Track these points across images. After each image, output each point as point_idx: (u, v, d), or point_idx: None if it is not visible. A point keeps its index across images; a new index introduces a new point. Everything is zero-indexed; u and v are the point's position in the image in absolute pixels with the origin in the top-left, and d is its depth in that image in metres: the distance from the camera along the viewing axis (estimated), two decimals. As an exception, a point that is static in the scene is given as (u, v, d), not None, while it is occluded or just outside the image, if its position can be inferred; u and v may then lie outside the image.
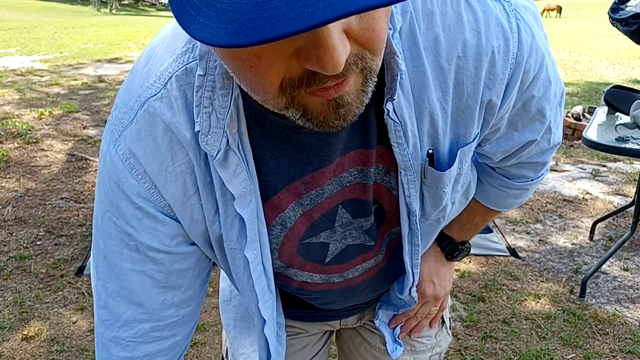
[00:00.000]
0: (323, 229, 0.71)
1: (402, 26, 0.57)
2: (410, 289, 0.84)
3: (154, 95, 0.58)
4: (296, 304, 0.88)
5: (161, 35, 0.63)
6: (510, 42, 0.60)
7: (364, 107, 0.49)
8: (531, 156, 0.79)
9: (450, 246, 0.93)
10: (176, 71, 0.58)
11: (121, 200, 0.62)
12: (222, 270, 1.00)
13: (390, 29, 0.54)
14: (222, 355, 1.04)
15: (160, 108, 0.58)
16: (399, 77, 0.56)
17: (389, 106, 0.58)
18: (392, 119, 0.59)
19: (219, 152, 0.57)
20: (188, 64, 0.57)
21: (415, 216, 0.70)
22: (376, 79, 0.49)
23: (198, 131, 0.56)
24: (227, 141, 0.57)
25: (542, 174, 0.85)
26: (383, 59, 0.56)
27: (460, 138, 0.65)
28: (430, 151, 0.64)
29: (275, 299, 0.73)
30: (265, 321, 0.72)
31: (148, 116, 0.59)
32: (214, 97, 0.56)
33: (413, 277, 0.80)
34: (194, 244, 0.68)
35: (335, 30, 0.40)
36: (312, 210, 0.67)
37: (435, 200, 0.70)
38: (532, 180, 0.84)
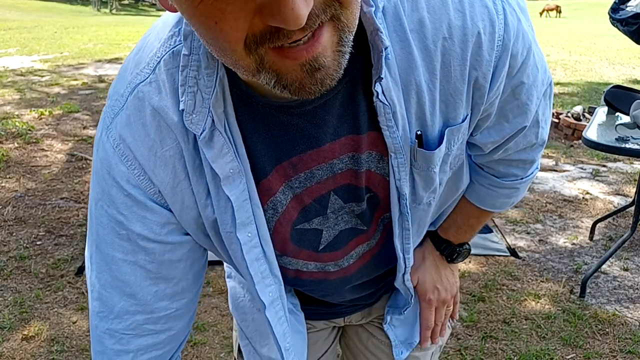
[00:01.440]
0: (315, 215, 0.70)
1: (387, 7, 0.57)
2: (403, 277, 0.83)
3: (143, 80, 0.59)
4: (299, 300, 0.87)
5: (153, 27, 0.64)
6: (496, 23, 0.60)
7: (342, 71, 0.48)
8: (519, 151, 0.78)
9: (449, 249, 0.92)
10: (164, 55, 0.58)
11: (112, 187, 0.62)
12: (226, 270, 1.00)
13: (372, 6, 0.55)
14: (234, 357, 1.04)
15: (148, 93, 0.59)
16: (384, 53, 0.55)
17: (377, 88, 0.58)
18: (381, 101, 0.59)
19: (203, 131, 0.57)
20: (175, 47, 0.58)
21: (406, 199, 0.69)
22: (352, 40, 0.48)
23: (182, 110, 0.56)
24: (213, 121, 0.57)
25: (532, 173, 0.85)
26: (368, 39, 0.57)
27: (449, 120, 0.65)
28: (419, 132, 0.63)
29: (281, 282, 0.72)
30: (265, 305, 0.71)
31: (137, 101, 0.59)
32: (199, 77, 0.55)
33: (405, 262, 0.79)
34: (186, 234, 0.68)
35: None
36: (303, 194, 0.67)
37: (427, 182, 0.70)
38: (522, 179, 0.84)
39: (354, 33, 0.48)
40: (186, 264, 0.69)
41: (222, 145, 0.58)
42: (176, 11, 0.49)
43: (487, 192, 0.86)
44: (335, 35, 0.46)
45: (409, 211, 0.71)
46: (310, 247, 0.74)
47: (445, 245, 0.92)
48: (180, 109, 0.56)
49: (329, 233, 0.73)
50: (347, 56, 0.49)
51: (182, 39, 0.56)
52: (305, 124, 0.61)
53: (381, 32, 0.55)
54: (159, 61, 0.58)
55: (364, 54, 0.58)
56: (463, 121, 0.66)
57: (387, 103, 0.59)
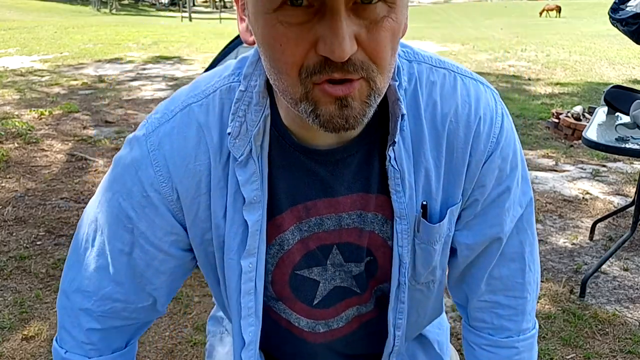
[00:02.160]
0: (316, 264, 0.74)
1: (407, 88, 0.68)
2: (389, 356, 0.81)
3: (196, 102, 0.68)
4: None
5: (213, 70, 0.73)
6: (494, 122, 0.70)
7: (365, 119, 0.57)
8: (506, 292, 0.79)
9: None
10: (221, 87, 0.68)
11: (134, 184, 0.68)
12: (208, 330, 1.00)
13: (395, 80, 0.65)
14: None
15: (198, 112, 0.68)
16: (400, 119, 0.64)
17: (390, 152, 0.66)
18: (392, 165, 0.67)
19: (241, 155, 0.65)
20: (232, 83, 0.68)
21: (406, 269, 0.73)
22: (378, 104, 0.58)
23: (229, 133, 0.65)
24: (251, 150, 0.65)
25: (528, 333, 0.83)
26: (388, 108, 0.66)
27: (450, 199, 0.71)
28: (424, 203, 0.70)
29: (259, 325, 0.75)
30: (245, 343, 0.74)
31: (185, 117, 0.68)
32: (248, 111, 0.65)
33: (394, 340, 0.79)
34: (183, 249, 0.73)
35: (348, 29, 0.51)
36: (309, 239, 0.72)
37: (426, 258, 0.73)
38: (518, 336, 0.82)
39: (381, 97, 0.58)
40: (168, 278, 0.75)
41: (253, 172, 0.66)
42: (253, 43, 0.60)
43: (488, 356, 0.83)
44: (366, 91, 0.56)
45: (407, 282, 0.73)
46: (305, 299, 0.77)
47: None
48: (227, 132, 0.65)
49: (325, 286, 0.76)
50: (372, 111, 0.57)
51: (240, 78, 0.67)
52: (325, 173, 0.68)
53: (400, 102, 0.64)
54: (215, 90, 0.68)
55: (384, 122, 0.67)
56: (460, 202, 0.72)
57: (397, 168, 0.67)
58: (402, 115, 0.64)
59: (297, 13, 0.52)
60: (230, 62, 0.71)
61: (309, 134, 0.66)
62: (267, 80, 0.64)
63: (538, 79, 7.97)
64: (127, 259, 0.72)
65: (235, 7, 0.61)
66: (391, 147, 0.66)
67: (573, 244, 3.07)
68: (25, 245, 3.06)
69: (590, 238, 3.11)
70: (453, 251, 0.78)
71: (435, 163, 0.69)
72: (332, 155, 0.67)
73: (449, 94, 0.68)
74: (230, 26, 17.20)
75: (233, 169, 0.66)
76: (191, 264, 0.77)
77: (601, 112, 2.81)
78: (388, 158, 0.66)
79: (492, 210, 0.74)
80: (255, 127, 0.64)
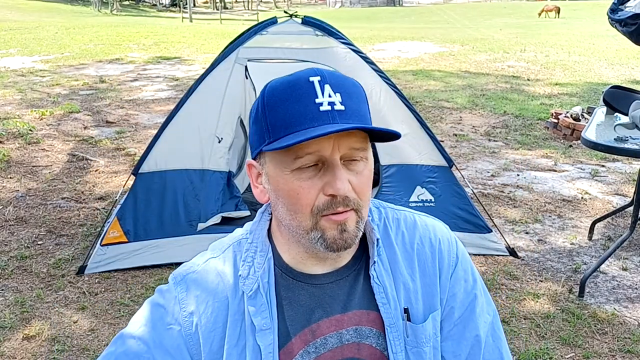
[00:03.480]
0: None
1: (379, 224, 0.89)
2: None
3: (216, 257, 0.88)
4: None
5: (228, 236, 0.93)
6: (451, 242, 0.91)
7: (357, 240, 0.79)
8: None
9: None
10: (233, 243, 0.88)
11: (158, 309, 0.84)
12: None
13: (369, 216, 0.86)
14: None
15: (217, 263, 0.87)
16: (376, 243, 0.84)
17: (372, 271, 0.84)
18: (376, 282, 0.84)
19: (251, 291, 0.82)
20: (241, 239, 0.88)
21: None
22: (363, 225, 0.80)
23: (240, 275, 0.83)
24: (259, 286, 0.82)
25: None
26: (367, 239, 0.86)
27: (430, 307, 0.87)
28: (406, 307, 0.85)
29: None
30: None
31: (207, 267, 0.87)
32: (255, 257, 0.84)
33: None
34: None
35: (344, 175, 0.75)
36: None
37: None
38: None
39: (364, 223, 0.80)
40: None
41: (262, 304, 0.82)
42: (267, 201, 0.82)
43: None
44: (355, 219, 0.78)
45: None
46: None
47: None
48: (238, 274, 0.84)
49: None
50: (360, 234, 0.79)
51: (247, 234, 0.87)
52: (323, 295, 0.84)
53: (375, 230, 0.85)
54: (229, 246, 0.88)
55: (366, 253, 0.86)
56: (440, 307, 0.88)
57: (379, 284, 0.84)
58: (378, 240, 0.84)
59: (308, 171, 0.75)
60: (238, 229, 0.92)
61: (307, 266, 0.84)
62: (268, 231, 0.86)
63: (537, 80, 7.98)
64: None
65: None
66: (373, 267, 0.84)
67: (572, 243, 3.08)
68: (26, 245, 3.07)
69: (589, 238, 3.12)
70: None
71: (411, 278, 0.87)
72: (327, 278, 0.85)
73: (412, 226, 0.91)
74: (230, 27, 17.20)
75: (246, 300, 0.83)
76: None
77: (600, 112, 2.82)
78: (372, 277, 0.84)
79: (467, 317, 0.89)
80: (261, 268, 0.83)
